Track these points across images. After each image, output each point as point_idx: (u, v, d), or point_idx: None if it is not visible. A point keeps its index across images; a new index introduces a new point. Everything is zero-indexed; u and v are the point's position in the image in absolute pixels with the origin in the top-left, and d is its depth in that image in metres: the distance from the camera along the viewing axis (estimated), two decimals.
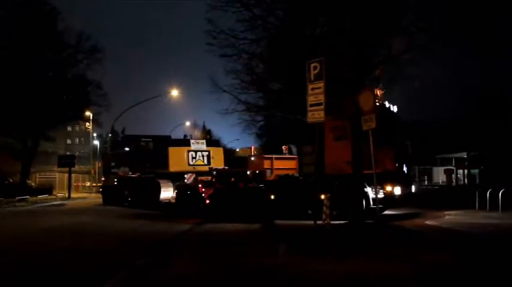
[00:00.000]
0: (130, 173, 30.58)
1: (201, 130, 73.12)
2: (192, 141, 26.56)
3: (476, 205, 20.00)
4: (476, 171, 39.10)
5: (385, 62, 18.09)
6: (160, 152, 26.07)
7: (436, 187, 34.34)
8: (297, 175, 19.81)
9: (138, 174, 28.66)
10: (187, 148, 25.83)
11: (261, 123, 39.71)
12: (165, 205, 24.99)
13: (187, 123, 67.14)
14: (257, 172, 19.95)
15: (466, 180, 40.30)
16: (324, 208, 15.27)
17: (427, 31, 16.99)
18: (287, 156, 21.30)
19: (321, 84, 15.55)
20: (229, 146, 35.17)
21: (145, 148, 28.84)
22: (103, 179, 35.48)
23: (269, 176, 20.21)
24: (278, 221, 17.23)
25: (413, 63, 18.56)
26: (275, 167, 20.53)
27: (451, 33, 16.81)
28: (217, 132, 29.37)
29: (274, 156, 20.99)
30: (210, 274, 9.24)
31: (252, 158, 20.91)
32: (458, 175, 42.32)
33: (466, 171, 40.65)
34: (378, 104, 17.68)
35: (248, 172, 19.94)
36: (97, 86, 43.69)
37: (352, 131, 16.79)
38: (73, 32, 41.25)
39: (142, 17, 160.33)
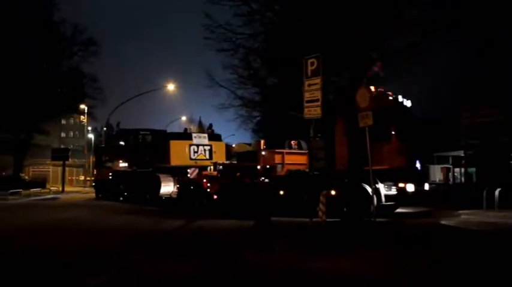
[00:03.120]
0: (120, 166, 30.44)
1: (197, 125, 72.99)
2: (194, 135, 26.29)
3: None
4: (473, 170, 39.13)
5: (382, 58, 18.03)
6: (161, 145, 25.76)
7: (433, 185, 34.36)
8: (307, 170, 19.68)
9: (134, 168, 28.55)
10: (189, 142, 25.52)
11: (258, 118, 39.64)
12: (164, 201, 24.90)
13: (183, 118, 67.15)
14: (267, 166, 19.76)
15: (463, 178, 40.34)
16: (320, 205, 15.22)
17: (422, 26, 16.99)
18: (298, 151, 21.08)
19: (318, 81, 15.44)
20: (225, 141, 35.07)
21: (144, 141, 28.67)
22: (95, 173, 35.39)
23: (280, 171, 20.06)
24: (274, 218, 17.20)
25: (410, 60, 18.53)
26: (286, 162, 20.31)
27: (445, 26, 16.82)
28: (217, 129, 29.26)
29: (285, 151, 20.76)
30: (201, 272, 9.18)
31: (263, 153, 20.61)
32: (455, 174, 42.35)
33: (463, 170, 40.67)
34: (391, 98, 17.62)
35: (258, 167, 19.78)
36: (92, 79, 43.51)
37: (351, 127, 16.73)
38: (69, 24, 41.02)
39: (139, 10, 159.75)
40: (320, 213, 15.17)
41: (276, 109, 29.96)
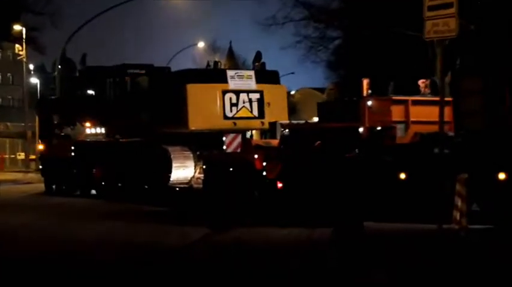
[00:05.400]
0: (89, 134, 30.73)
1: (226, 57, 72.88)
2: (229, 73, 26.06)
3: None
4: None
5: None
6: (170, 93, 26.00)
7: None
8: (452, 133, 19.46)
9: (118, 137, 29.01)
10: (221, 86, 25.32)
11: (337, 42, 39.45)
12: (178, 194, 25.41)
13: (200, 45, 67.19)
14: (378, 128, 19.74)
15: None
16: (456, 199, 15.17)
17: None
18: (433, 98, 20.57)
19: None
20: None
21: (136, 87, 28.44)
22: (43, 147, 35.77)
23: (402, 136, 19.92)
24: (376, 224, 17.22)
25: None
26: (413, 119, 19.99)
27: None
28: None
29: (410, 98, 20.38)
30: None
31: (369, 103, 20.27)
32: None
33: None
34: None
35: (360, 129, 19.87)
36: None
37: None
38: None
39: None
40: (456, 214, 15.18)
41: (370, 25, 29.78)
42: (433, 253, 13.99)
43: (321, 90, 53.28)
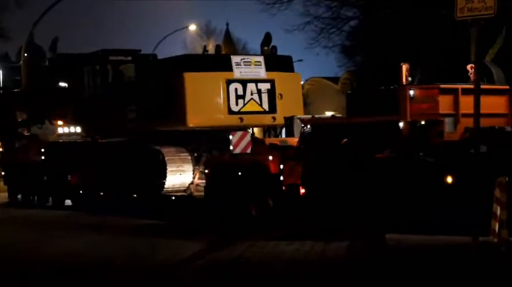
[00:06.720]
0: (62, 133, 30.58)
1: (223, 40, 72.89)
2: (234, 60, 25.79)
3: None
4: None
5: None
6: (164, 84, 25.77)
7: None
8: (510, 128, 19.24)
9: (98, 137, 28.91)
10: (225, 75, 25.14)
11: (353, 23, 39.39)
12: (175, 204, 25.39)
13: (192, 28, 67.41)
14: (422, 123, 19.77)
15: None
16: (494, 207, 15.17)
17: None
18: (488, 87, 20.47)
19: None
20: None
21: (119, 77, 28.19)
22: (5, 150, 35.44)
23: (450, 132, 19.67)
24: (394, 236, 17.16)
25: None
26: (463, 111, 19.79)
27: None
28: (258, 46, 27.79)
29: (460, 86, 20.20)
30: None
31: (411, 92, 20.05)
32: None
33: None
34: None
35: (400, 124, 19.80)
36: None
37: None
38: None
39: None
40: (495, 225, 15.14)
41: (392, 1, 29.81)
42: (465, 271, 13.83)
43: (334, 80, 53.35)
